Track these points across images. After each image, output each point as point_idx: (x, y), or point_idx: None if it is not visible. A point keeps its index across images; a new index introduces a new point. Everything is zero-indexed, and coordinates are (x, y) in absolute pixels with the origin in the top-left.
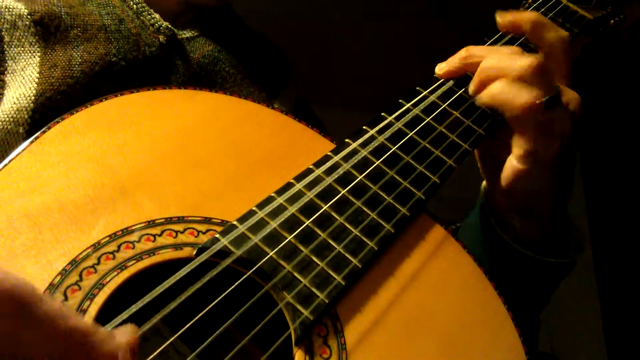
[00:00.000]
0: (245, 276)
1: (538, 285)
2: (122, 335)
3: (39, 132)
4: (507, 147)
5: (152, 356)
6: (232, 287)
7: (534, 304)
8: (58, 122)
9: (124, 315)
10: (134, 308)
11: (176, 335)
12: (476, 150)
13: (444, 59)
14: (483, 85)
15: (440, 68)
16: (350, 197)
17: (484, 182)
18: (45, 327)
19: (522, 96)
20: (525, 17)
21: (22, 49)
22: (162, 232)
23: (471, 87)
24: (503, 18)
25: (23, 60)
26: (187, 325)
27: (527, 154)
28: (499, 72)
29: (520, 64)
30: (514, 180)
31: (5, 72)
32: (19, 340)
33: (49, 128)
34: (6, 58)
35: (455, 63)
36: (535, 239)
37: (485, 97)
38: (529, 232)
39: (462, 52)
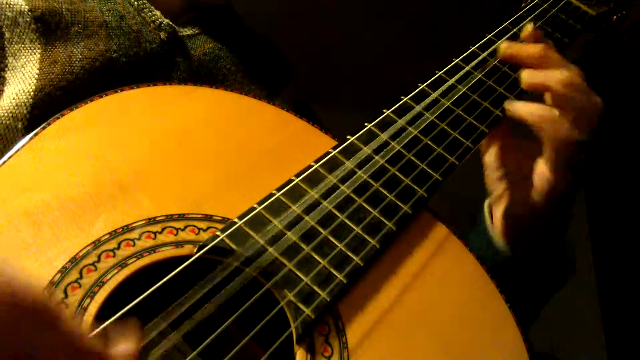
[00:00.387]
0: (246, 274)
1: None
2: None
3: (39, 129)
4: (524, 169)
5: (155, 356)
6: (235, 284)
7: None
8: (57, 118)
9: (122, 312)
10: (131, 305)
11: (177, 332)
12: (487, 171)
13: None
14: (541, 87)
15: (509, 46)
16: (352, 195)
17: (488, 200)
18: (61, 343)
19: (566, 129)
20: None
21: (23, 45)
22: (163, 229)
23: (528, 83)
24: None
25: (23, 57)
26: (190, 325)
27: (547, 182)
28: (567, 95)
29: (590, 101)
30: (524, 204)
31: (6, 69)
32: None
33: (49, 124)
34: (6, 55)
35: (529, 52)
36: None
37: (536, 108)
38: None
39: (541, 49)
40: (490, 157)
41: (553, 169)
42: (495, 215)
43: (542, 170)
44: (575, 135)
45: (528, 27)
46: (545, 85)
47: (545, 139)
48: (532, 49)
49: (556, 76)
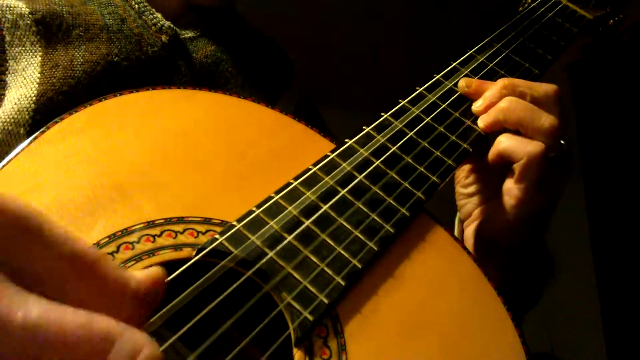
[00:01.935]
0: (245, 277)
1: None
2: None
3: (38, 133)
4: (494, 186)
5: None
6: (232, 287)
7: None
8: (57, 122)
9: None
10: None
11: (176, 336)
12: (457, 186)
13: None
14: (498, 124)
15: (478, 105)
16: (350, 198)
17: (458, 214)
18: (50, 249)
19: (529, 146)
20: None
21: (23, 48)
22: (162, 232)
23: (483, 122)
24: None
25: (24, 60)
26: (187, 326)
27: (519, 200)
28: (521, 120)
29: (544, 121)
30: (496, 223)
31: (6, 72)
32: (20, 264)
33: (48, 128)
34: (7, 58)
35: (495, 95)
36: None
37: (498, 144)
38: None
39: (502, 84)
40: (461, 172)
41: (522, 188)
42: (465, 232)
43: (510, 189)
44: (541, 152)
45: (461, 84)
46: (498, 121)
47: (512, 157)
48: (487, 92)
49: (501, 105)
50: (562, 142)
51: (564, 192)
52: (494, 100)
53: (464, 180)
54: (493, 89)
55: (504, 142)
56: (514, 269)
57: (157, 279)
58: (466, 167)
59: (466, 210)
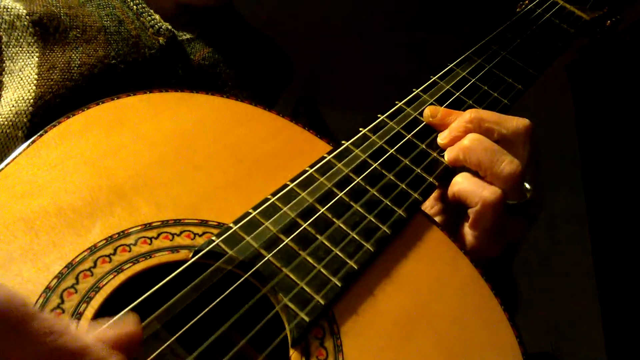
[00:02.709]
0: (242, 279)
1: None
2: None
3: (36, 136)
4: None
5: (149, 359)
6: (230, 289)
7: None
8: (55, 125)
9: (117, 317)
10: (126, 310)
11: (173, 337)
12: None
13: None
14: (459, 162)
15: (443, 138)
16: (347, 199)
17: None
18: (33, 344)
19: (484, 192)
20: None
21: (20, 49)
22: (159, 234)
23: (447, 156)
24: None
25: (21, 60)
26: (185, 328)
27: (472, 247)
28: (480, 162)
29: (504, 167)
30: None
31: (3, 73)
32: (6, 357)
33: (46, 132)
34: (4, 58)
35: (460, 129)
36: None
37: (453, 185)
38: None
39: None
40: (428, 200)
41: (475, 236)
42: None
43: (464, 234)
44: (497, 200)
45: (427, 113)
46: (458, 159)
47: (467, 201)
48: (453, 124)
49: (463, 143)
50: (527, 186)
51: (527, 237)
52: (458, 134)
53: (430, 210)
54: (459, 120)
55: (459, 184)
56: None
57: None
58: (433, 195)
59: None
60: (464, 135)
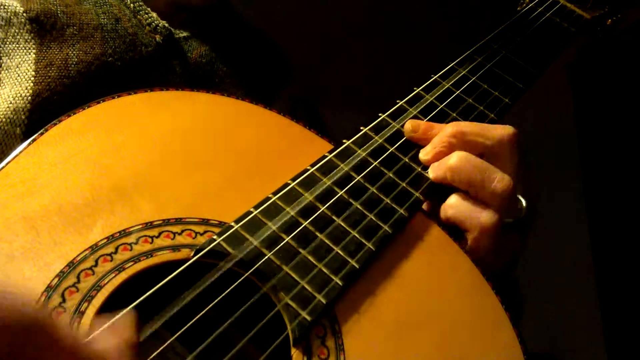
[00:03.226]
0: (243, 277)
1: None
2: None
3: (37, 134)
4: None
5: (150, 358)
6: (231, 287)
7: None
8: (55, 124)
9: (119, 317)
10: (128, 309)
11: (174, 336)
12: None
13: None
14: (447, 181)
15: (426, 154)
16: (348, 198)
17: None
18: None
19: (480, 217)
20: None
21: (17, 45)
22: (160, 233)
23: (433, 173)
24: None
25: (18, 56)
26: (186, 327)
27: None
28: (471, 182)
29: (497, 184)
30: None
31: (0, 69)
32: None
33: (47, 130)
34: (1, 55)
35: (443, 144)
36: None
37: (447, 208)
38: None
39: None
40: None
41: (476, 257)
42: None
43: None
44: (495, 223)
45: (407, 127)
46: (446, 179)
47: (463, 226)
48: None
49: (449, 162)
50: (522, 200)
51: (526, 247)
52: (442, 149)
53: None
54: (441, 135)
55: (453, 209)
56: None
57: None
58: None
59: None
60: (448, 150)
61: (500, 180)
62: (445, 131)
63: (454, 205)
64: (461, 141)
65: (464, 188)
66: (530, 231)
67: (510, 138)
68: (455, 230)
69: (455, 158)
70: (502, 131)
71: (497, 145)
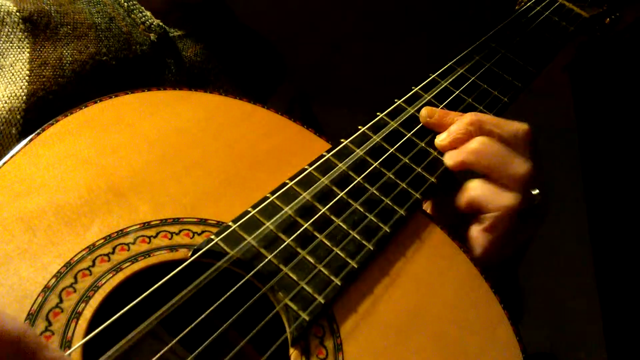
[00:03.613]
0: (244, 279)
1: None
2: None
3: (33, 134)
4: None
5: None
6: (231, 291)
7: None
8: (52, 124)
9: (116, 317)
10: (125, 309)
11: (176, 339)
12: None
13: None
14: (467, 166)
15: (442, 139)
16: (347, 198)
17: None
18: None
19: (503, 198)
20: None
21: (11, 44)
22: (157, 233)
23: (451, 160)
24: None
25: (12, 55)
26: (188, 329)
27: (484, 251)
28: (492, 165)
29: (518, 168)
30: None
31: None
32: None
33: (43, 130)
34: None
35: (460, 131)
36: None
37: (468, 190)
38: None
39: (470, 119)
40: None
41: (490, 240)
42: None
43: (477, 237)
44: (517, 205)
45: (423, 113)
46: (467, 162)
47: (484, 208)
48: (453, 126)
49: (471, 146)
50: (534, 192)
51: (534, 238)
52: (459, 136)
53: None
54: (459, 124)
55: (475, 191)
56: None
57: None
58: (431, 205)
59: None
60: (466, 137)
61: (521, 164)
62: (464, 119)
63: (475, 187)
64: (479, 129)
65: (484, 171)
66: (541, 225)
67: (525, 134)
68: (455, 227)
69: (477, 142)
70: (517, 126)
71: (512, 139)
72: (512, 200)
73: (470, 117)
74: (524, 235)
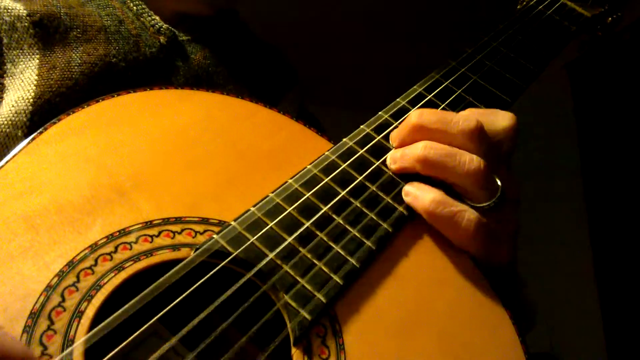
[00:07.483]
0: (245, 278)
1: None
2: None
3: (36, 133)
4: None
5: (151, 358)
6: (233, 289)
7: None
8: (55, 123)
9: (117, 315)
10: (126, 307)
11: (177, 338)
12: None
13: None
14: (413, 171)
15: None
16: (348, 197)
17: None
18: None
19: (459, 230)
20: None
21: (21, 51)
22: (160, 232)
23: (394, 165)
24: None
25: (22, 63)
26: (189, 327)
27: (476, 253)
28: (441, 165)
29: (468, 168)
30: None
31: (4, 75)
32: None
33: (46, 129)
34: (5, 61)
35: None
36: None
37: (428, 214)
38: None
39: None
40: None
41: (472, 242)
42: None
43: (461, 244)
44: (475, 226)
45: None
46: (413, 169)
47: (447, 215)
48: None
49: (416, 152)
50: (496, 179)
51: (519, 221)
52: (404, 143)
53: None
54: (402, 127)
55: (406, 197)
56: None
57: None
58: None
59: None
60: (411, 142)
61: (470, 161)
62: (406, 125)
63: (407, 193)
64: (426, 134)
65: (433, 174)
66: (518, 208)
67: (471, 130)
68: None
69: (421, 147)
70: (464, 124)
71: (460, 135)
72: (468, 224)
73: (412, 120)
74: (506, 225)
